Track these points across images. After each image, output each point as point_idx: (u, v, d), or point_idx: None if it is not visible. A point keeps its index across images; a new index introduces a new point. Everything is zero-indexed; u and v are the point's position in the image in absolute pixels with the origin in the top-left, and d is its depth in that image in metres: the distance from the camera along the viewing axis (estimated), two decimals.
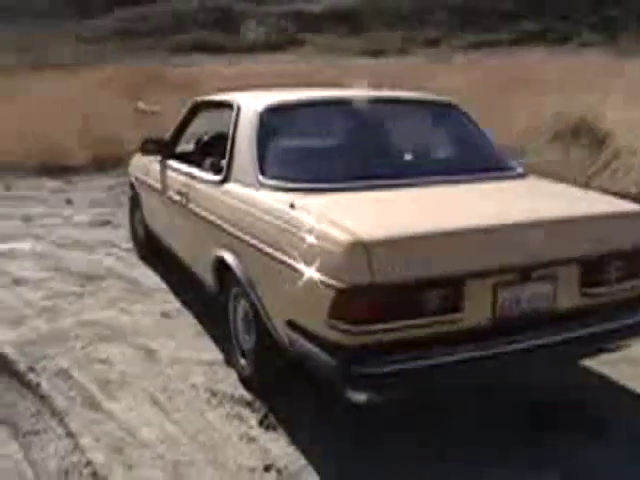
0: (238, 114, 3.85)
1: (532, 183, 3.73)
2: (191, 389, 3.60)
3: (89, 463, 2.93)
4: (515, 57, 24.38)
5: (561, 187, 3.72)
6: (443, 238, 2.71)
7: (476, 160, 3.92)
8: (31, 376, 3.74)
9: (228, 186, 3.67)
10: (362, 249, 2.55)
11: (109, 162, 10.75)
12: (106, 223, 7.54)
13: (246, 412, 3.35)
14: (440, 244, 2.71)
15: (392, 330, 2.63)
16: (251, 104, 3.86)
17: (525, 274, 2.86)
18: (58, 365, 3.87)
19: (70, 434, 3.16)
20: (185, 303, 4.86)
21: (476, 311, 2.79)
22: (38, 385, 3.64)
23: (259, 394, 3.48)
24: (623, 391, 3.56)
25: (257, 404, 3.40)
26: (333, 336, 2.63)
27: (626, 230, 3.13)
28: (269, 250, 3.04)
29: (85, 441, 3.10)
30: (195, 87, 14.22)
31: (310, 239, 2.74)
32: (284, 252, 2.91)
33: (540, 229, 2.88)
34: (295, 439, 3.11)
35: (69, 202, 8.84)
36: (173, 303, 4.90)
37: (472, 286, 2.75)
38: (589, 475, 2.83)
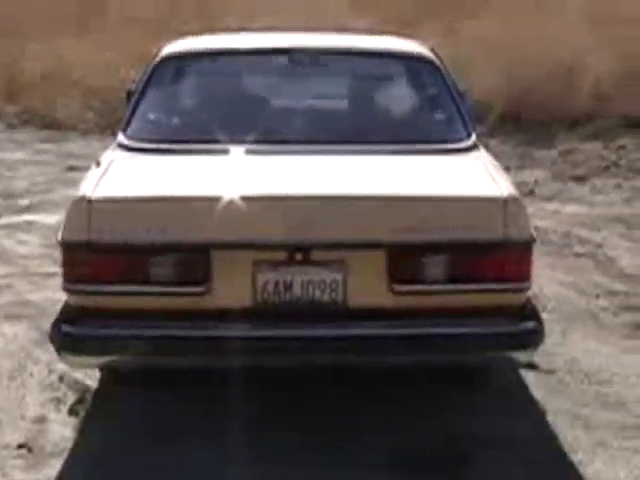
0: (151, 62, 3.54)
1: (448, 159, 3.02)
2: None
3: None
4: None
5: (469, 165, 2.98)
6: (182, 203, 2.53)
7: (407, 130, 3.29)
8: None
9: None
10: (84, 207, 2.46)
11: None
12: None
13: None
14: (179, 209, 2.51)
15: (115, 294, 2.50)
16: (164, 51, 3.55)
17: (294, 256, 2.47)
18: None
19: None
20: None
21: (229, 289, 2.51)
22: None
23: None
24: None
25: None
26: (66, 295, 2.60)
27: (460, 219, 2.52)
28: None
29: None
30: None
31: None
32: None
33: (326, 205, 2.48)
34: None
35: None
36: None
37: (221, 260, 2.47)
38: None
